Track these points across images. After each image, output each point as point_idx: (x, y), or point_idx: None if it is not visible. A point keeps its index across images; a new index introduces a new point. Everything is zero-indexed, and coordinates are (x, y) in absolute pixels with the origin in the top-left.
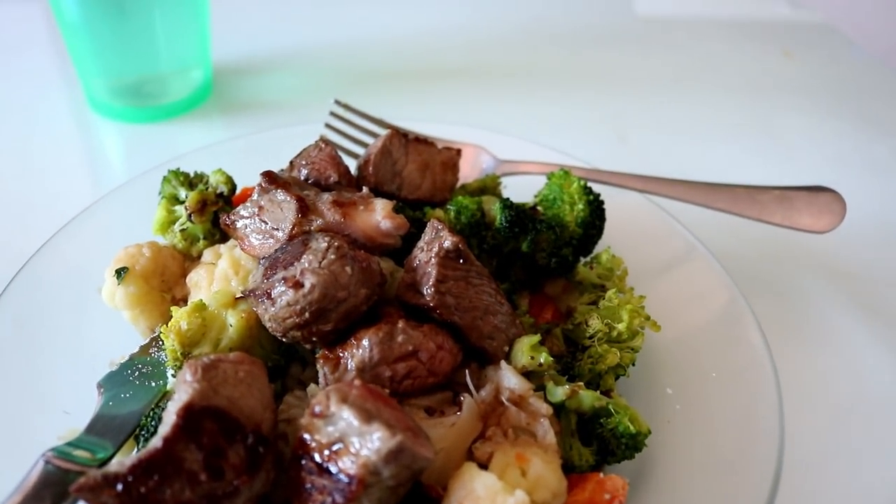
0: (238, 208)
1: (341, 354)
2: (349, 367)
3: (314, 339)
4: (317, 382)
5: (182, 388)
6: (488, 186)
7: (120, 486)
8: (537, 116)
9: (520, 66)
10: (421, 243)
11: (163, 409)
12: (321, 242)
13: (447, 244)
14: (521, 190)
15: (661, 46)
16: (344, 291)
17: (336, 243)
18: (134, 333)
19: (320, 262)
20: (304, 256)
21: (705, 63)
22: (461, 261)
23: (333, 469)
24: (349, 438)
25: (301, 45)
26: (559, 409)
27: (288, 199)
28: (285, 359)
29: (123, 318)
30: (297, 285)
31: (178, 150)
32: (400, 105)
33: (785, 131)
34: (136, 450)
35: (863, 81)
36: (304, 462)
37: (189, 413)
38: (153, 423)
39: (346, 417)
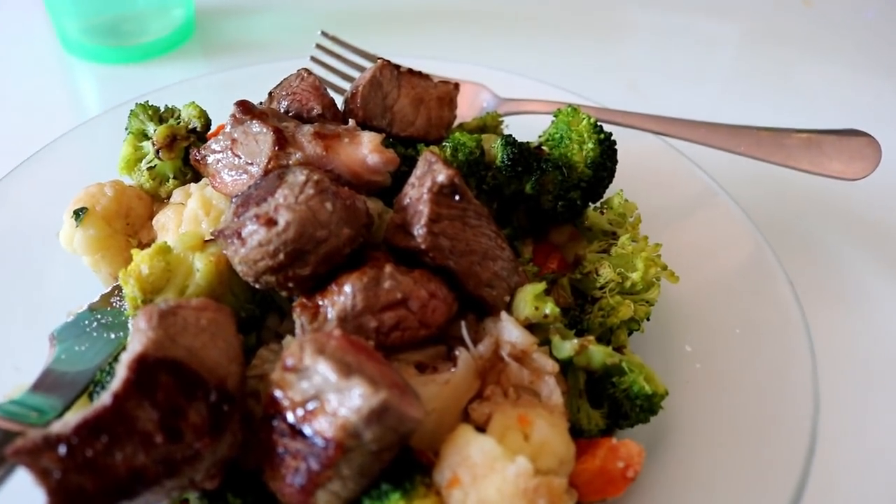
0: (209, 142)
1: (321, 303)
2: (329, 316)
3: (290, 284)
4: (294, 334)
5: (135, 337)
6: (488, 125)
7: (63, 449)
8: (541, 63)
9: (523, 9)
10: (412, 179)
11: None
12: (298, 176)
13: (441, 178)
14: (525, 131)
15: None
16: (324, 230)
17: (315, 177)
18: (95, 282)
19: (297, 197)
20: (279, 191)
21: (720, 11)
22: (457, 197)
23: (308, 431)
24: (326, 395)
25: None
26: (566, 367)
27: (264, 130)
28: (261, 309)
29: (84, 264)
30: (270, 223)
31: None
32: (393, 46)
33: (805, 80)
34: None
35: (884, 30)
36: (275, 423)
37: (142, 365)
38: (109, 378)
39: (323, 371)
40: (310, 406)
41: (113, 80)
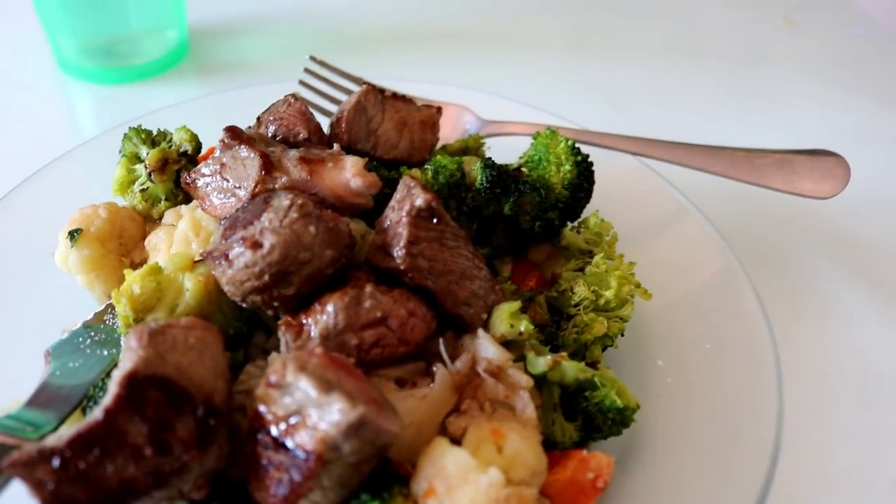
0: (199, 166)
1: (304, 321)
2: (312, 334)
3: (275, 304)
4: (272, 353)
5: (127, 355)
6: (471, 147)
7: (57, 462)
8: (525, 82)
9: (508, 30)
10: (392, 202)
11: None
12: (283, 200)
13: (419, 202)
14: (507, 153)
15: (655, 13)
16: (307, 252)
17: (299, 201)
18: (89, 300)
19: (281, 221)
20: (265, 215)
21: (703, 31)
22: (434, 220)
23: (290, 444)
24: (307, 410)
25: (280, 4)
26: (541, 382)
27: (251, 155)
28: (248, 326)
29: (78, 283)
30: (256, 245)
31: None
32: (380, 67)
33: (786, 100)
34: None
35: (867, 50)
36: (259, 436)
37: (132, 382)
38: (102, 393)
39: (304, 387)
40: (292, 420)
41: (108, 100)
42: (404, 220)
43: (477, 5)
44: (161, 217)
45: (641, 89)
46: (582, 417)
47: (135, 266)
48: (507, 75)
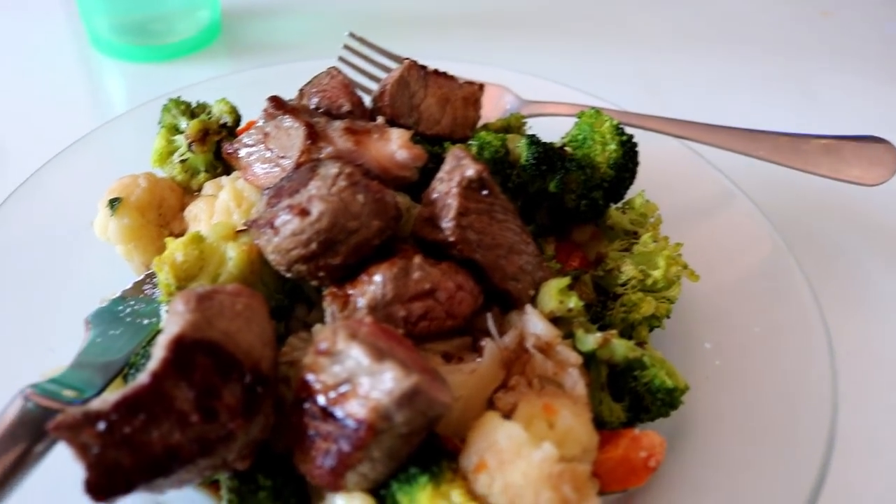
0: (241, 136)
1: (351, 292)
2: (359, 304)
3: (321, 273)
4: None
5: (173, 319)
6: (512, 126)
7: (102, 426)
8: (562, 66)
9: (542, 13)
10: (440, 174)
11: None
12: (331, 168)
13: (470, 172)
14: (546, 133)
15: (687, 2)
16: (355, 221)
17: (347, 169)
18: (127, 270)
19: (329, 189)
20: (312, 183)
21: (738, 21)
22: (484, 192)
23: (339, 413)
24: (358, 379)
25: None
26: (588, 360)
27: (296, 125)
28: (289, 299)
29: (117, 253)
30: (304, 213)
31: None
32: (414, 49)
33: (823, 90)
34: None
35: None
36: (306, 406)
37: (180, 346)
38: (143, 361)
39: (355, 355)
40: (342, 389)
41: (140, 78)
42: (454, 190)
43: None
44: (199, 188)
45: (675, 75)
46: (629, 397)
47: (174, 236)
48: (541, 58)
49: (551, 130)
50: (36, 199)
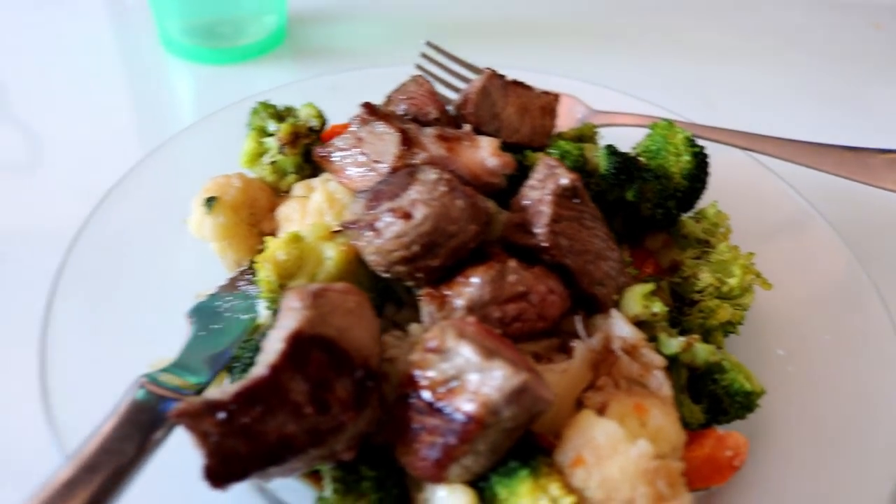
0: (334, 140)
1: (447, 293)
2: (456, 305)
3: (419, 275)
4: (415, 322)
5: (289, 314)
6: (585, 135)
7: (222, 415)
8: (620, 79)
9: (598, 26)
10: (532, 181)
11: (258, 341)
12: (430, 174)
13: (564, 181)
14: (614, 143)
15: (741, 16)
16: (454, 226)
17: (446, 175)
18: (216, 266)
19: (431, 194)
20: (413, 187)
21: (790, 34)
22: (576, 200)
23: (448, 408)
24: (467, 375)
25: None
26: (670, 363)
27: (390, 130)
28: (380, 298)
29: (207, 250)
30: (407, 216)
31: (248, 92)
32: (478, 58)
33: (878, 103)
34: (226, 381)
35: None
36: (412, 400)
37: (298, 341)
38: (248, 354)
39: (465, 353)
40: (451, 385)
41: (208, 80)
42: (547, 198)
43: (568, 2)
44: (288, 189)
45: (731, 87)
46: (707, 400)
47: (264, 235)
48: (599, 69)
49: (617, 140)
50: (131, 197)
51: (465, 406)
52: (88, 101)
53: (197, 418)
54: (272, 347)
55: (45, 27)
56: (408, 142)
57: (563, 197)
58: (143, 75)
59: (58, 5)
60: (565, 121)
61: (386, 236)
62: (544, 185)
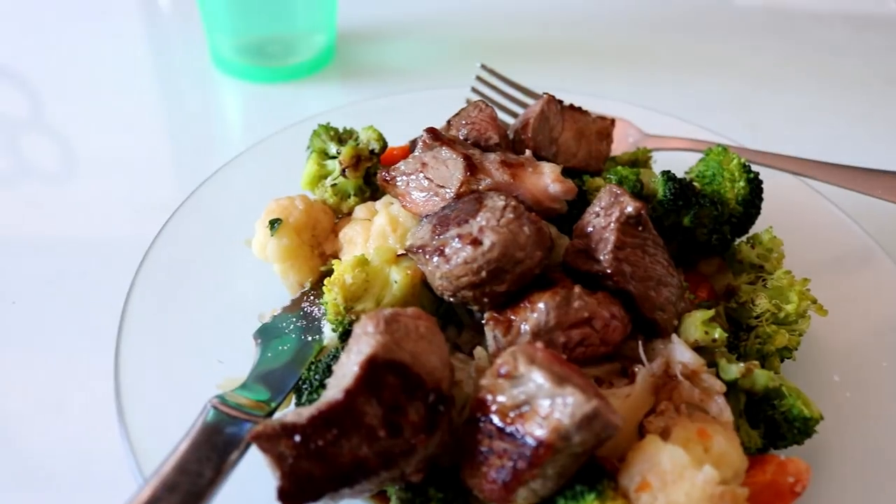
0: (398, 164)
1: (513, 318)
2: (523, 329)
3: (485, 300)
4: (476, 346)
5: (364, 339)
6: (639, 159)
7: (298, 438)
8: (661, 102)
9: (641, 49)
10: (595, 208)
11: (325, 363)
12: (498, 201)
13: (629, 209)
14: (666, 167)
15: (775, 37)
16: (522, 252)
17: (513, 202)
18: (277, 287)
19: (499, 221)
20: (481, 214)
21: (827, 55)
22: (640, 228)
23: (518, 432)
24: (538, 401)
25: (428, 13)
26: (728, 389)
27: (454, 156)
28: (442, 321)
29: (267, 271)
30: (476, 242)
31: (297, 111)
32: (527, 80)
33: None
34: (294, 403)
35: None
36: (482, 424)
37: (372, 366)
38: (316, 376)
39: (537, 379)
40: (522, 409)
41: (257, 98)
42: (613, 225)
43: (615, 24)
44: (349, 211)
45: (774, 109)
46: (765, 425)
47: (325, 257)
48: (644, 92)
49: (669, 164)
50: (195, 218)
51: (536, 431)
52: (140, 117)
53: (273, 440)
54: (346, 371)
55: (94, 44)
56: (472, 168)
57: (628, 225)
58: (193, 93)
59: (104, 22)
60: (618, 145)
61: (454, 262)
62: (609, 213)
